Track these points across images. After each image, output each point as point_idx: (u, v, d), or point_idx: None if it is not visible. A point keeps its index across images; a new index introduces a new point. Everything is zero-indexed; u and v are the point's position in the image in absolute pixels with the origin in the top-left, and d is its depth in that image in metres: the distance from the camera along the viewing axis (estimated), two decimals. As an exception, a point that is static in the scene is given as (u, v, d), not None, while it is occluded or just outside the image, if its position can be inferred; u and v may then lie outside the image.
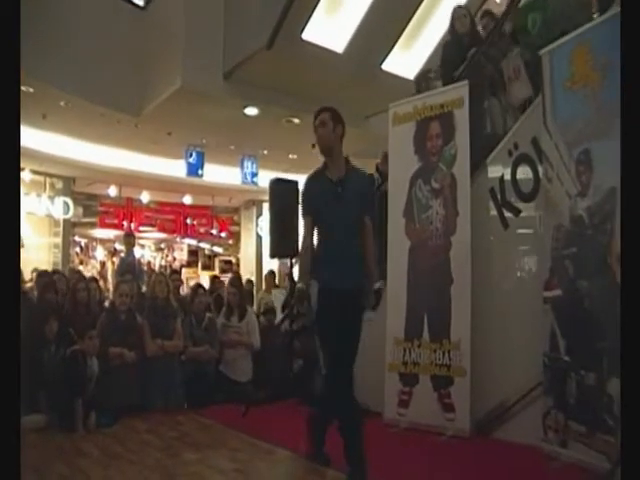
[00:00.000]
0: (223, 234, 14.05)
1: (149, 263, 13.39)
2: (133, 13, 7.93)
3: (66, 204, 10.71)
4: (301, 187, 3.20)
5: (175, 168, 10.15)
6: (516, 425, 3.62)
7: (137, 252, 9.92)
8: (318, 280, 2.94)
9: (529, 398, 3.54)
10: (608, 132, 2.88)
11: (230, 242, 14.53)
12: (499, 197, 3.98)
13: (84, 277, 5.94)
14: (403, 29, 7.17)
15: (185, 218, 13.45)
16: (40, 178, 10.49)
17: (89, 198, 11.96)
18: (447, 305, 3.94)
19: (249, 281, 8.79)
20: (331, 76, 6.99)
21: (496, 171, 4.04)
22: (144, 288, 6.17)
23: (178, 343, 4.93)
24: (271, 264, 10.41)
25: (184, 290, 7.98)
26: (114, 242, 13.14)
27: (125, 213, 12.49)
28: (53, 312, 4.42)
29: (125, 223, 12.35)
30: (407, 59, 7.46)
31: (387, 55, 7.35)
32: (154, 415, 4.50)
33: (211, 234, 13.84)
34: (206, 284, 7.59)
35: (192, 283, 9.09)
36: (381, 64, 7.40)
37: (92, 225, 12.36)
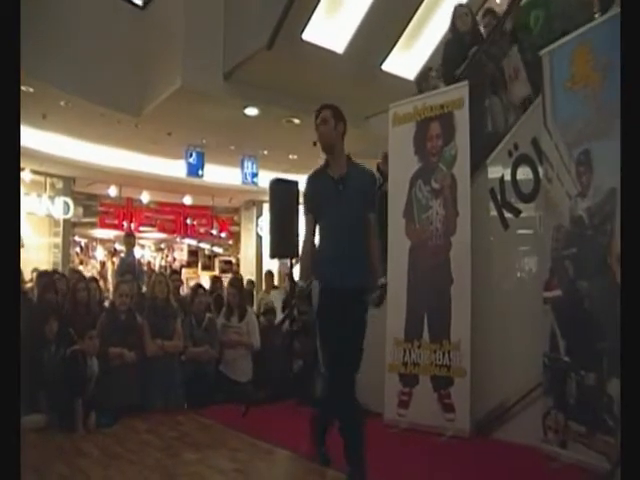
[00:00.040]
0: (223, 234, 14.06)
1: (149, 263, 13.40)
2: (133, 13, 7.93)
3: (66, 204, 10.71)
4: (301, 187, 3.19)
5: (175, 168, 10.16)
6: (516, 425, 3.62)
7: (137, 252, 9.93)
8: (320, 279, 2.92)
9: (529, 398, 3.54)
10: (608, 132, 2.88)
11: (230, 242, 14.54)
12: (499, 198, 3.98)
13: (84, 277, 5.94)
14: (403, 30, 7.17)
15: (185, 218, 13.46)
16: (40, 178, 10.50)
17: (89, 198, 11.97)
18: (447, 305, 3.94)
19: (250, 281, 8.80)
20: (331, 76, 6.98)
21: (496, 171, 4.04)
22: (144, 288, 6.17)
23: (178, 343, 4.93)
24: (271, 264, 10.41)
25: (184, 290, 7.99)
26: (114, 242, 13.15)
27: (125, 213, 12.50)
28: (53, 312, 4.42)
29: (125, 223, 12.37)
30: (407, 59, 7.45)
31: (387, 55, 7.35)
32: (154, 415, 4.50)
33: (211, 234, 13.85)
34: (206, 284, 7.59)
35: (192, 283, 9.09)
36: (381, 64, 7.41)
37: (92, 225, 12.37)
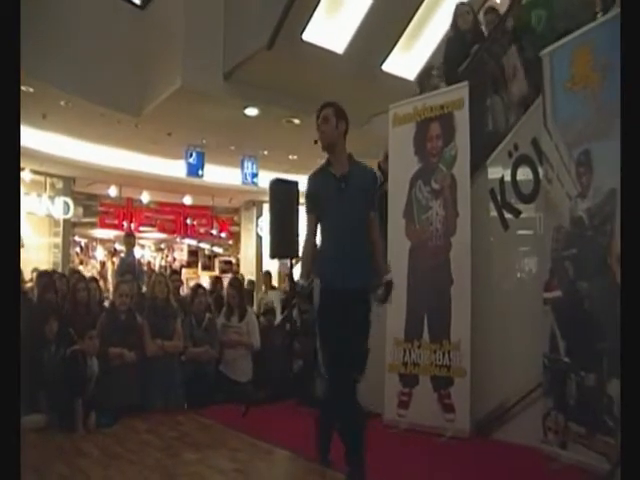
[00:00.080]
0: (223, 234, 14.07)
1: (149, 263, 13.40)
2: (133, 13, 7.94)
3: (66, 204, 10.72)
4: (302, 187, 3.18)
5: (175, 168, 10.16)
6: (516, 426, 3.62)
7: (137, 252, 9.93)
8: (321, 279, 2.90)
9: (529, 399, 3.54)
10: (608, 133, 2.87)
11: (230, 242, 14.55)
12: (499, 198, 3.98)
13: (84, 277, 5.93)
14: (403, 30, 7.18)
15: (185, 218, 13.46)
16: (40, 178, 10.50)
17: (89, 198, 11.98)
18: (447, 306, 3.94)
19: (250, 282, 8.80)
20: (331, 77, 6.99)
21: (496, 172, 4.03)
22: (144, 288, 6.17)
23: (178, 343, 4.93)
24: (271, 265, 10.41)
25: (184, 290, 7.99)
26: (114, 242, 13.16)
27: (125, 213, 12.51)
28: (53, 312, 4.42)
29: (125, 223, 12.37)
30: (407, 60, 7.46)
31: (387, 56, 7.36)
32: (154, 415, 4.50)
33: (211, 234, 13.85)
34: (206, 284, 7.60)
35: (192, 283, 9.09)
36: (381, 65, 7.41)
37: (92, 225, 12.38)
